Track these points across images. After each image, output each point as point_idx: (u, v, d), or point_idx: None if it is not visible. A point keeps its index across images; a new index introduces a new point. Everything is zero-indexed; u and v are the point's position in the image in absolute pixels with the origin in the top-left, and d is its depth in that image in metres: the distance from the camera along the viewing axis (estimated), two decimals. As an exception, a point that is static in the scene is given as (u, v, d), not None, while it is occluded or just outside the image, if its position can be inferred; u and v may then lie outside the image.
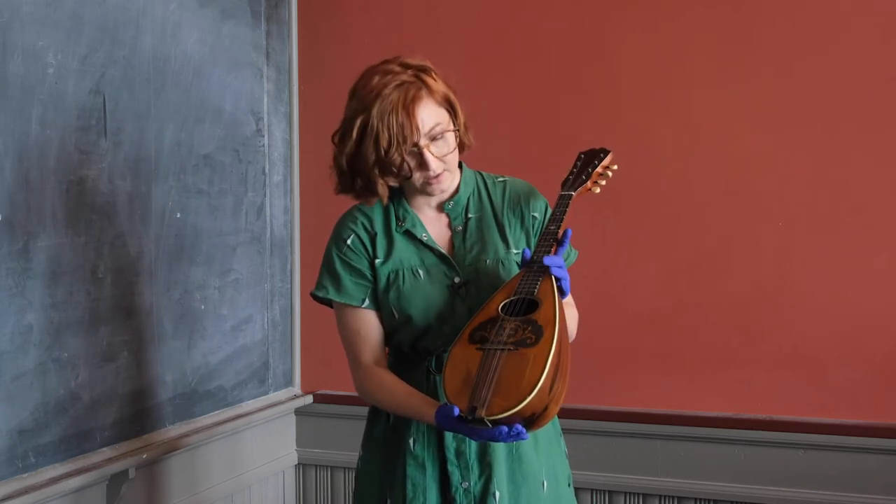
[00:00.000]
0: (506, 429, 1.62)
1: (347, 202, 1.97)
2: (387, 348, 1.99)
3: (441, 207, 1.94)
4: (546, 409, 1.67)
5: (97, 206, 2.45)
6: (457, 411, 1.64)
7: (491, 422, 1.63)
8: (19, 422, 2.24)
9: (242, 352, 3.05)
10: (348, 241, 1.92)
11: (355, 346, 1.92)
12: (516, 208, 1.96)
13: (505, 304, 1.78)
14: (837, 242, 2.74)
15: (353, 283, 1.91)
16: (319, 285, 1.95)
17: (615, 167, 2.03)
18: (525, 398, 1.62)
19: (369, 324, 1.92)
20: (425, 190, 1.88)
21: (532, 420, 1.66)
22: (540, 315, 1.74)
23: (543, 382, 1.64)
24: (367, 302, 1.91)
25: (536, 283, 1.78)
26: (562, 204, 1.90)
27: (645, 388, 2.92)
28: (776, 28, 2.78)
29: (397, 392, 1.86)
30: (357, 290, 1.91)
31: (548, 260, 1.79)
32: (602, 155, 2.02)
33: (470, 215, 1.94)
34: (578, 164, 2.01)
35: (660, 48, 2.88)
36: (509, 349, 1.70)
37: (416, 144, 1.80)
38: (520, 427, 1.63)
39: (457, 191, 1.94)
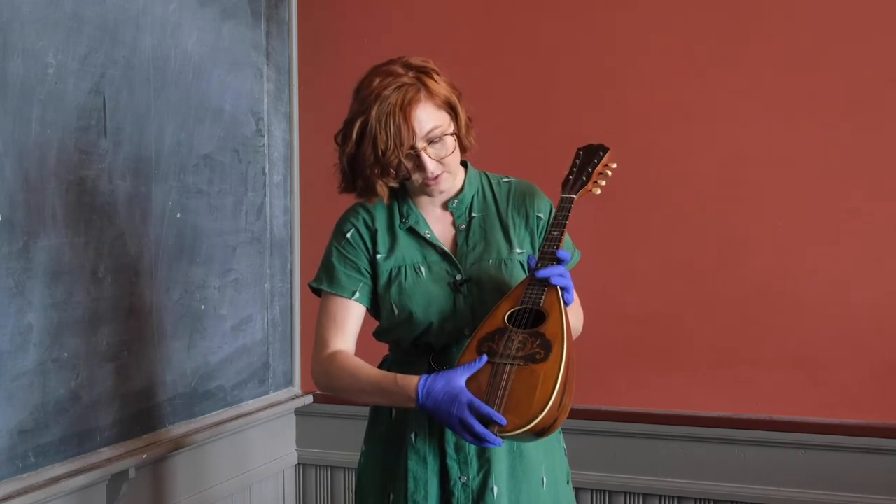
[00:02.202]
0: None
1: (347, 201, 1.98)
2: (387, 343, 2.00)
3: (445, 206, 1.95)
4: (555, 421, 1.71)
5: (97, 206, 2.45)
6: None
7: (503, 437, 1.66)
8: (19, 422, 2.24)
9: (242, 352, 3.05)
10: (348, 235, 1.94)
11: (328, 331, 1.91)
12: (521, 208, 1.96)
13: (511, 314, 1.79)
14: (837, 242, 2.74)
15: (346, 276, 1.92)
16: (316, 276, 1.97)
17: (614, 166, 2.01)
18: (537, 416, 1.66)
19: (349, 313, 1.92)
20: (424, 191, 1.90)
21: (542, 432, 1.70)
22: (547, 328, 1.75)
23: (554, 399, 1.67)
24: (357, 295, 1.91)
25: (542, 294, 1.79)
26: (564, 207, 1.90)
27: (645, 388, 2.92)
28: (776, 28, 2.79)
29: (369, 372, 1.84)
30: (349, 283, 1.92)
31: (542, 273, 1.79)
32: (601, 153, 2.00)
33: (474, 214, 1.95)
34: (577, 161, 1.99)
35: (660, 48, 2.89)
36: (519, 364, 1.71)
37: (413, 147, 1.81)
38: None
39: (461, 189, 1.95)
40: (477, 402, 1.67)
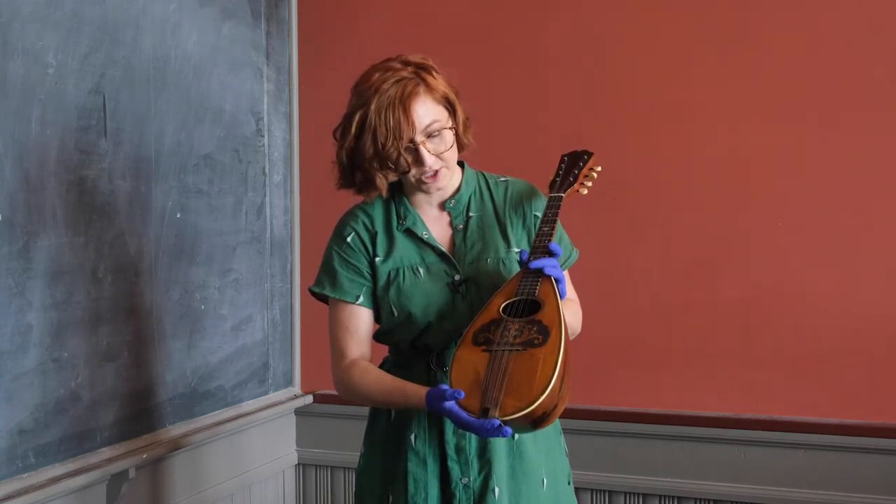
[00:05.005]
0: (497, 422, 1.62)
1: (347, 202, 1.98)
2: (388, 346, 2.00)
3: (442, 206, 1.96)
4: (555, 407, 1.69)
5: (97, 206, 2.45)
6: (458, 394, 1.66)
7: (504, 422, 1.63)
8: (19, 422, 2.24)
9: (242, 352, 3.05)
10: (348, 239, 1.94)
11: (342, 340, 1.93)
12: (518, 207, 1.97)
13: (506, 306, 1.78)
14: (837, 242, 2.74)
15: (349, 280, 1.92)
16: (317, 281, 1.97)
17: (599, 168, 2.05)
18: (538, 398, 1.63)
19: (359, 320, 1.93)
20: (422, 188, 1.90)
21: (542, 419, 1.67)
22: (544, 315, 1.75)
23: (555, 382, 1.65)
24: (361, 299, 1.92)
25: (536, 284, 1.79)
26: (553, 205, 1.92)
27: (645, 388, 2.92)
28: (777, 28, 2.79)
29: (383, 379, 1.87)
30: (352, 287, 1.92)
31: (535, 263, 1.80)
32: (586, 157, 2.04)
33: (471, 214, 1.95)
34: (563, 166, 2.03)
35: (660, 48, 2.88)
36: (517, 350, 1.70)
37: (412, 140, 1.81)
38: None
39: (458, 189, 1.96)
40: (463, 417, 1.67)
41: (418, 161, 1.84)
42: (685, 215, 2.87)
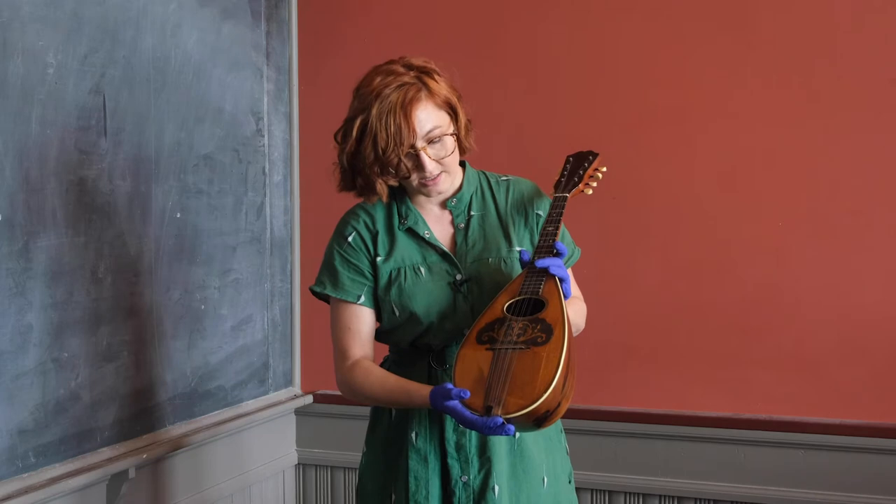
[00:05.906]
0: (500, 420, 1.62)
1: (347, 202, 1.98)
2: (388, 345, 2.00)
3: (444, 205, 1.96)
4: (559, 406, 1.69)
5: (97, 206, 2.45)
6: (463, 394, 1.66)
7: (507, 420, 1.63)
8: (19, 422, 2.24)
9: (242, 352, 3.05)
10: (349, 239, 1.94)
11: (345, 340, 1.93)
12: (520, 207, 1.97)
13: (510, 305, 1.79)
14: (837, 242, 2.74)
15: (350, 279, 1.92)
16: (318, 280, 1.97)
17: (604, 169, 2.05)
18: (541, 396, 1.63)
19: (361, 320, 1.93)
20: (422, 192, 1.90)
21: (545, 418, 1.67)
22: (548, 314, 1.75)
23: (558, 380, 1.65)
24: (362, 298, 1.92)
25: (540, 283, 1.79)
26: (557, 205, 1.93)
27: (645, 388, 2.92)
28: (776, 28, 2.79)
29: (387, 379, 1.87)
30: (353, 287, 1.92)
31: (541, 262, 1.80)
32: (591, 157, 2.05)
33: (472, 213, 1.95)
34: (568, 166, 2.04)
35: (659, 48, 2.89)
36: (521, 348, 1.71)
37: (412, 146, 1.81)
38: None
39: (460, 188, 1.96)
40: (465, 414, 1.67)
41: (419, 167, 1.84)
42: (685, 215, 2.87)
